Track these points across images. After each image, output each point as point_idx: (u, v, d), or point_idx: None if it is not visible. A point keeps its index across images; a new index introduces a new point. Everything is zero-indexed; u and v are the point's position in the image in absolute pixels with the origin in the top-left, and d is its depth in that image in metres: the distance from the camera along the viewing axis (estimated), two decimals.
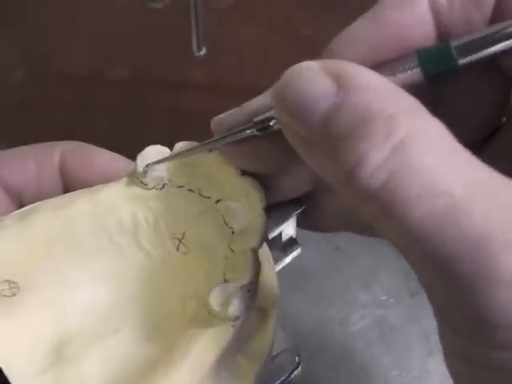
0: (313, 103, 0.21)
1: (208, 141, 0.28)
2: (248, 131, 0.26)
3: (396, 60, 0.24)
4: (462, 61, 0.23)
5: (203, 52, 0.48)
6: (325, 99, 0.21)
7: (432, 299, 0.20)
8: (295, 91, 0.21)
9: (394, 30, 0.24)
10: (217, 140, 0.28)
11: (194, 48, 0.47)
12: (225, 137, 0.28)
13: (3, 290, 0.27)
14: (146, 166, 0.30)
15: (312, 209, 0.31)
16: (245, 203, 0.29)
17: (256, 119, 0.26)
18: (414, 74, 0.23)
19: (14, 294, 0.27)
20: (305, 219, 0.32)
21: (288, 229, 0.33)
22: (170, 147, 0.30)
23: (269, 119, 0.26)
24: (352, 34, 0.25)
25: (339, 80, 0.21)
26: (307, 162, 0.23)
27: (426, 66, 0.23)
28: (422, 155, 0.19)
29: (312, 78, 0.21)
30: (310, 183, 0.30)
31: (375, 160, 0.19)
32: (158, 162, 0.30)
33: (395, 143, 0.19)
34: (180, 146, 0.30)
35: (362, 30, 0.25)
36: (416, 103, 0.21)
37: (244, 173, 0.29)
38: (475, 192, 0.19)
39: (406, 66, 0.23)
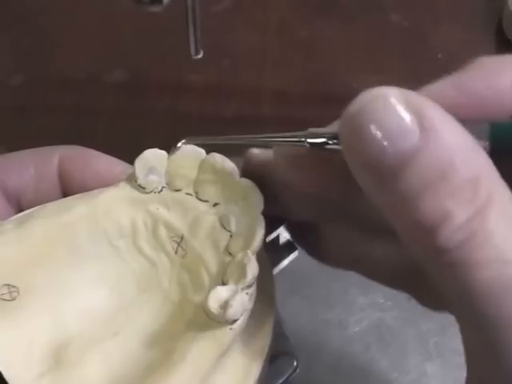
0: (392, 139, 0.20)
1: (258, 136, 0.28)
2: (299, 139, 0.25)
3: (467, 127, 0.22)
4: None
5: (201, 55, 0.48)
6: (405, 138, 0.20)
7: (470, 356, 0.21)
8: (372, 120, 0.20)
9: (474, 101, 0.23)
10: (266, 138, 0.27)
11: (192, 51, 0.47)
12: (274, 137, 0.27)
13: (3, 294, 0.27)
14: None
15: (316, 240, 0.31)
16: (243, 206, 0.29)
17: (312, 130, 0.25)
18: (481, 144, 0.22)
19: (13, 298, 0.27)
20: (309, 249, 0.32)
21: (285, 232, 0.33)
22: (168, 150, 0.30)
23: (328, 137, 0.24)
24: (430, 94, 0.23)
25: (422, 119, 0.20)
26: (368, 195, 0.22)
27: (496, 140, 0.22)
28: (498, 221, 0.19)
29: (392, 108, 0.20)
30: (327, 216, 0.29)
31: (459, 220, 0.19)
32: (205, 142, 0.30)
33: (478, 206, 0.19)
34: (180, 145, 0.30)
35: (441, 93, 0.23)
36: (492, 165, 0.20)
37: (242, 175, 0.29)
38: None
39: (475, 136, 0.21)
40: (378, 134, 0.20)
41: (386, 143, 0.20)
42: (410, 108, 0.20)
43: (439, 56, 0.65)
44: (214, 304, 0.26)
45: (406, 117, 0.20)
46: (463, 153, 0.20)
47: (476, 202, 0.19)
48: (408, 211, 0.20)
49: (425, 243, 0.20)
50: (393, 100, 0.20)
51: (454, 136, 0.20)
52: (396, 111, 0.20)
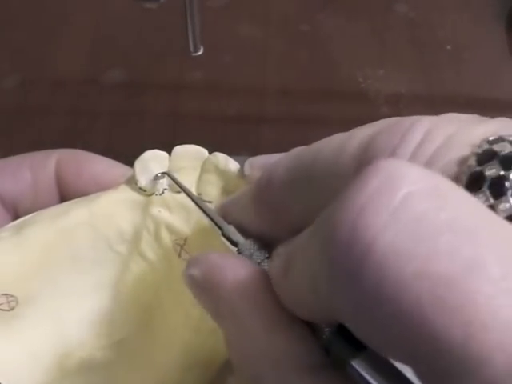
0: None
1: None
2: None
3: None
4: None
5: (201, 52, 0.48)
6: None
7: None
8: None
9: None
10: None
11: (191, 48, 0.47)
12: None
13: (1, 304, 0.27)
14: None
15: None
16: None
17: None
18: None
19: (12, 308, 0.27)
20: None
21: None
22: (170, 149, 0.30)
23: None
24: None
25: None
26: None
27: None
28: None
29: None
30: None
31: None
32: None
33: None
34: (179, 150, 0.30)
35: None
36: None
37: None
38: None
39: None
40: None
41: None
42: None
43: (448, 48, 0.64)
44: None
45: None
46: None
47: None
48: None
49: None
50: None
51: None
52: None
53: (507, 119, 0.19)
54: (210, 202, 0.29)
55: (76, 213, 0.29)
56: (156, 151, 0.29)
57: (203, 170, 0.29)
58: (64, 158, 0.31)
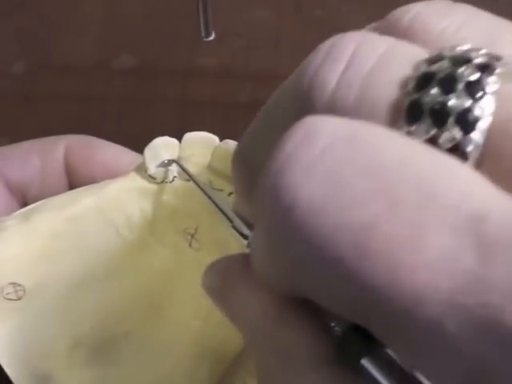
0: None
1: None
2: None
3: None
4: None
5: (212, 37, 0.47)
6: None
7: None
8: None
9: None
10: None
11: (203, 33, 0.46)
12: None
13: (8, 293, 0.27)
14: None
15: None
16: None
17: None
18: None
19: (19, 298, 0.27)
20: None
21: None
22: (181, 136, 0.30)
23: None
24: None
25: None
26: None
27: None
28: None
29: None
30: None
31: None
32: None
33: None
34: (189, 137, 0.30)
35: None
36: None
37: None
38: None
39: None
40: None
41: None
42: None
43: None
44: None
45: None
46: None
47: None
48: None
49: None
50: None
51: None
52: None
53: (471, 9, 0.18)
54: (220, 190, 0.29)
55: (85, 201, 0.29)
56: (166, 138, 0.29)
57: (213, 157, 0.29)
58: (73, 145, 0.31)
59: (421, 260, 0.13)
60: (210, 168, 0.29)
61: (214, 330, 0.27)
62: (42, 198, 0.30)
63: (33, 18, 0.55)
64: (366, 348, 0.17)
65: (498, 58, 0.15)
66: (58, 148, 0.31)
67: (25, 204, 0.31)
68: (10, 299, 0.27)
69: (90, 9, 0.56)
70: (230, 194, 0.29)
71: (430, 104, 0.15)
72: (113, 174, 0.30)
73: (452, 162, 0.14)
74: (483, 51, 0.16)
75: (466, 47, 0.16)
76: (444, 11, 0.17)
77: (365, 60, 0.16)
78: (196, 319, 0.28)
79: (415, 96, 0.15)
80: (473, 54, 0.16)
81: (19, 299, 0.27)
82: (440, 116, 0.15)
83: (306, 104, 0.16)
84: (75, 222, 0.28)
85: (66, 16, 0.56)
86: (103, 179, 0.30)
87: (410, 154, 0.14)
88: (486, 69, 0.15)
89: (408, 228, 0.13)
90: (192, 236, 0.29)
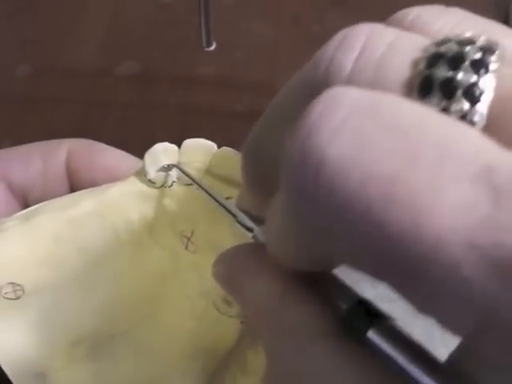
0: None
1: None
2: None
3: None
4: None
5: (213, 47, 0.48)
6: None
7: None
8: None
9: None
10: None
11: (204, 43, 0.47)
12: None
13: (7, 292, 0.27)
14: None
15: None
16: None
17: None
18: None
19: (18, 297, 0.27)
20: None
21: None
22: (180, 142, 0.30)
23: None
24: None
25: None
26: None
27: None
28: None
29: None
30: None
31: None
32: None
33: None
34: (188, 143, 0.30)
35: None
36: None
37: None
38: None
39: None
40: None
41: None
42: None
43: None
44: (222, 299, 0.27)
45: None
46: None
47: None
48: None
49: None
50: None
51: None
52: None
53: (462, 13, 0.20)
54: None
55: (85, 204, 0.29)
56: (166, 144, 0.30)
57: (211, 163, 0.30)
58: (75, 148, 0.31)
59: (441, 206, 0.14)
60: (208, 173, 0.30)
61: (207, 329, 0.28)
62: (44, 200, 0.30)
63: (38, 23, 0.55)
64: (371, 321, 0.18)
65: (495, 43, 0.17)
66: (60, 151, 0.31)
67: (26, 206, 0.31)
68: (8, 298, 0.27)
69: (95, 16, 0.56)
70: (227, 198, 0.29)
71: (441, 79, 0.17)
72: (113, 178, 0.30)
73: (464, 125, 0.16)
74: (483, 37, 0.17)
75: (468, 34, 0.18)
76: (440, 13, 0.19)
77: (376, 47, 0.18)
78: (190, 319, 0.28)
79: (427, 72, 0.17)
80: (475, 38, 0.17)
81: (18, 299, 0.27)
82: (449, 89, 0.17)
83: (322, 91, 0.17)
84: (75, 224, 0.28)
85: (70, 22, 0.55)
86: (104, 183, 0.30)
87: (427, 118, 0.16)
88: (487, 50, 0.17)
89: (429, 179, 0.14)
90: (188, 239, 0.29)
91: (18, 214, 0.29)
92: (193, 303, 0.28)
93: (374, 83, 0.17)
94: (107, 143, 0.32)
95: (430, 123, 0.16)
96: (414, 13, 0.19)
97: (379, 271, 0.16)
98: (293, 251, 0.18)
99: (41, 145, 0.32)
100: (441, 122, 0.16)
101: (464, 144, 0.15)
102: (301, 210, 0.16)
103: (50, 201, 0.30)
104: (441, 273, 0.14)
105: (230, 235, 0.29)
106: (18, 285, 0.27)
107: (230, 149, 0.29)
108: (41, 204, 0.30)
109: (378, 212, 0.15)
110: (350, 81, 0.17)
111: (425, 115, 0.16)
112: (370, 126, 0.15)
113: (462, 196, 0.14)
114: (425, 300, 0.15)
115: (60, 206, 0.29)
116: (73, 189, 0.31)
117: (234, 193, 0.29)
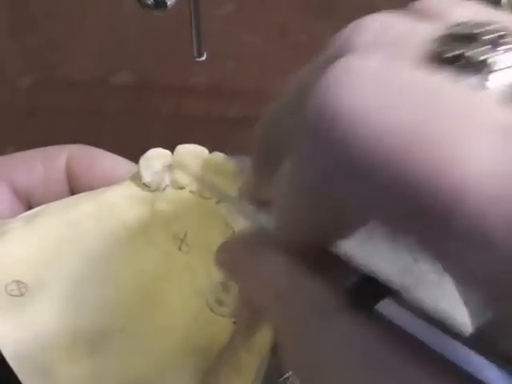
0: None
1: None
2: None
3: None
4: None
5: (204, 57, 0.49)
6: None
7: None
8: None
9: None
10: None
11: (195, 53, 0.48)
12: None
13: (12, 290, 0.27)
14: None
15: None
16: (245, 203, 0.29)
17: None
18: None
19: (22, 294, 0.27)
20: None
21: None
22: (173, 148, 0.31)
23: None
24: None
25: None
26: None
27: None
28: None
29: None
30: None
31: None
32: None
33: None
34: (181, 149, 0.30)
35: None
36: None
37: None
38: None
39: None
40: None
41: None
42: None
43: None
44: (215, 299, 0.28)
45: None
46: None
47: None
48: None
49: None
50: None
51: None
52: None
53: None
54: (209, 198, 0.30)
55: (84, 206, 0.29)
56: (160, 149, 0.30)
57: (203, 168, 0.30)
58: (75, 154, 0.32)
59: (466, 156, 0.14)
60: (199, 178, 0.30)
61: (201, 328, 0.28)
62: (46, 202, 0.30)
63: (38, 36, 0.55)
64: (381, 294, 0.18)
65: (508, 26, 0.17)
66: (60, 156, 0.32)
67: (29, 207, 0.31)
68: (13, 295, 0.27)
69: (91, 29, 0.56)
70: (217, 202, 0.30)
71: (455, 55, 0.17)
72: (111, 182, 0.31)
73: (484, 92, 0.16)
74: (499, 20, 0.18)
75: (484, 18, 0.18)
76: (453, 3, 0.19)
77: (392, 28, 0.18)
78: (184, 318, 0.28)
79: (439, 49, 0.17)
80: (493, 20, 0.17)
81: (22, 295, 0.27)
82: (468, 65, 0.16)
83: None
84: (74, 226, 0.29)
85: (68, 35, 0.56)
86: (102, 186, 0.31)
87: (445, 82, 0.16)
88: (505, 30, 0.17)
89: (452, 130, 0.14)
90: (182, 240, 0.30)
91: (21, 215, 0.30)
92: (186, 303, 0.29)
93: (392, 58, 0.17)
94: (103, 149, 0.33)
95: (450, 86, 0.16)
96: (431, 2, 0.19)
97: (400, 223, 0.15)
98: (301, 218, 0.18)
99: (42, 151, 0.32)
100: (459, 87, 0.16)
101: (486, 102, 0.15)
102: (320, 161, 0.16)
103: (50, 203, 0.30)
104: (464, 223, 0.14)
105: (221, 236, 0.29)
106: (23, 282, 0.27)
107: (221, 154, 0.30)
108: (42, 206, 0.30)
109: (398, 163, 0.14)
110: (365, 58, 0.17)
111: (443, 80, 0.16)
112: (391, 82, 0.15)
113: (481, 147, 0.14)
114: (448, 253, 0.14)
115: (60, 208, 0.29)
116: (73, 192, 0.32)
117: (225, 197, 0.30)
